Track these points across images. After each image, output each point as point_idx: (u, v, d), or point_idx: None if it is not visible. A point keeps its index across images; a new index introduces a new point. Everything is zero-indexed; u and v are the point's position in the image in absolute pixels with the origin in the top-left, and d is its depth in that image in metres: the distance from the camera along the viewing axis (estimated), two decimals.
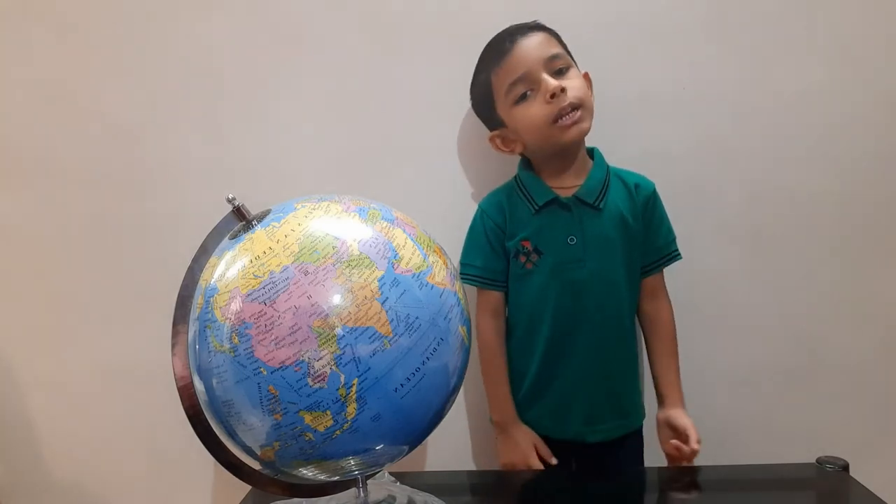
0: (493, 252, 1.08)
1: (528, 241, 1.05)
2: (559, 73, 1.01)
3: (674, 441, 1.02)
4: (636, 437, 1.12)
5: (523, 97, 1.01)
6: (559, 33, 1.06)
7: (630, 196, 1.06)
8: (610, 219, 1.04)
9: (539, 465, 1.06)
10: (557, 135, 1.01)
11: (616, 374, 1.08)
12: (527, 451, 1.06)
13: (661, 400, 1.09)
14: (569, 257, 1.04)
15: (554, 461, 1.06)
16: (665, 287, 1.12)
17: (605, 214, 1.04)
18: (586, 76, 1.07)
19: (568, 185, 1.06)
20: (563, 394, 1.06)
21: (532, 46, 1.00)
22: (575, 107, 0.99)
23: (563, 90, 0.98)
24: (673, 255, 1.10)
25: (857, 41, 1.14)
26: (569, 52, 1.06)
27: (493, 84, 1.03)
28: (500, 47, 1.02)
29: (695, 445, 1.00)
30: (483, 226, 1.09)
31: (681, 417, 1.05)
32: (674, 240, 1.10)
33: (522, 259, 1.06)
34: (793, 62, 1.15)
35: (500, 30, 1.07)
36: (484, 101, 1.07)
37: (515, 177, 1.11)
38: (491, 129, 1.10)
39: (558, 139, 1.01)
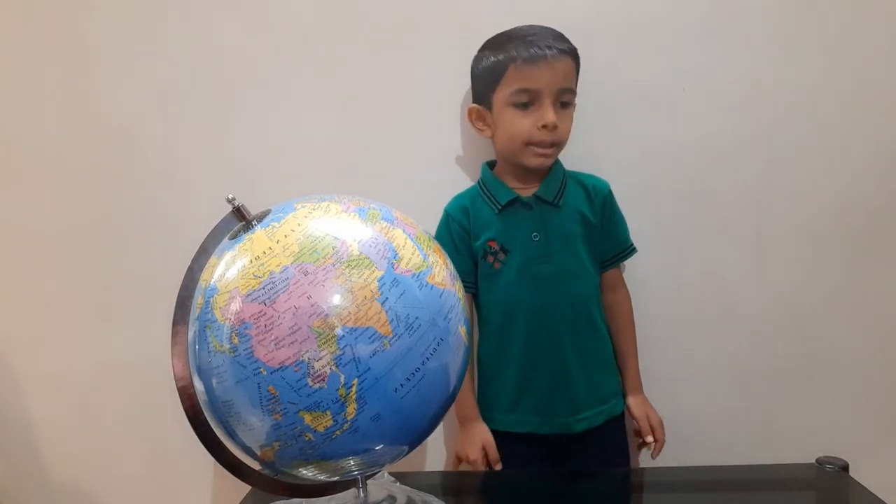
0: (458, 254, 1.11)
1: (494, 241, 1.09)
2: (562, 105, 1.05)
3: (638, 442, 1.15)
4: (619, 424, 1.15)
5: (523, 105, 1.04)
6: (563, 34, 1.06)
7: (588, 196, 1.11)
8: (569, 215, 1.09)
9: (482, 468, 1.09)
10: (525, 156, 1.06)
11: (592, 362, 1.10)
12: (473, 449, 1.10)
13: (623, 386, 1.15)
14: (535, 253, 1.07)
15: (499, 467, 1.10)
16: (623, 279, 1.17)
17: (564, 211, 1.09)
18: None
19: (528, 185, 1.10)
20: (544, 388, 1.08)
21: (560, 72, 1.03)
22: (553, 144, 1.05)
23: (555, 127, 1.03)
24: (631, 250, 1.15)
25: (856, 41, 1.14)
26: (576, 84, 1.08)
27: (508, 74, 1.04)
28: (535, 49, 1.02)
29: (648, 439, 1.12)
30: (448, 228, 1.12)
31: (636, 407, 1.14)
32: (629, 235, 1.15)
33: (490, 259, 1.09)
34: (793, 62, 1.15)
35: (499, 31, 1.08)
36: (489, 76, 1.07)
37: (479, 181, 1.14)
38: (476, 100, 1.12)
39: (522, 159, 1.07)
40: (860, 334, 1.21)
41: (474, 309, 1.16)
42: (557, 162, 1.12)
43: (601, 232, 1.11)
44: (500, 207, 1.09)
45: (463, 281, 1.08)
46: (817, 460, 0.97)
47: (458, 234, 1.11)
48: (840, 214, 1.18)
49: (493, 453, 1.10)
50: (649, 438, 1.11)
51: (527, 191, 1.10)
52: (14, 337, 1.29)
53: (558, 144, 1.06)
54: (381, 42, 1.18)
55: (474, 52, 1.11)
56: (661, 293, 1.19)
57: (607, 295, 1.15)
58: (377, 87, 1.19)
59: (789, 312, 1.21)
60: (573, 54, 1.06)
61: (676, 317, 1.19)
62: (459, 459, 1.12)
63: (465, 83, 1.16)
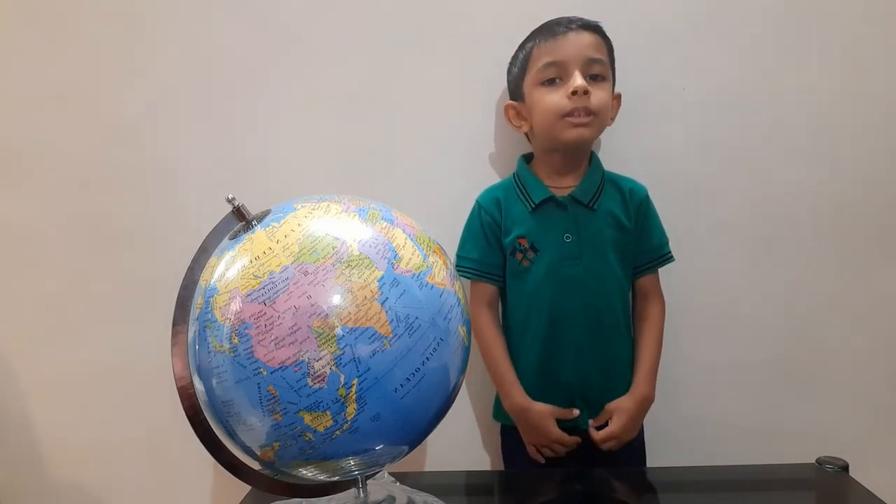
0: (488, 246, 1.10)
1: (524, 238, 1.07)
2: (593, 78, 1.03)
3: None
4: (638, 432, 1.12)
5: (551, 81, 1.03)
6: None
7: (624, 200, 1.09)
8: (604, 219, 1.07)
9: (564, 437, 1.04)
10: (560, 129, 1.03)
11: (613, 368, 1.09)
12: (550, 428, 1.05)
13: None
14: (565, 255, 1.06)
15: (576, 412, 1.06)
16: (659, 289, 1.14)
17: (598, 215, 1.07)
18: (618, 97, 1.10)
19: (564, 185, 1.09)
20: (562, 389, 1.08)
21: (582, 42, 1.02)
22: (588, 112, 1.01)
23: (586, 92, 1.00)
24: (666, 258, 1.12)
25: (857, 41, 1.14)
26: (613, 67, 1.07)
27: (533, 56, 1.05)
28: (555, 28, 1.04)
29: (595, 433, 1.05)
30: (480, 220, 1.11)
31: (621, 410, 1.06)
32: (667, 242, 1.12)
33: (519, 256, 1.08)
34: (793, 62, 1.15)
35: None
36: (519, 69, 1.09)
37: (514, 174, 1.13)
38: (512, 97, 1.12)
39: (559, 134, 1.03)
40: (860, 334, 1.21)
41: (499, 303, 1.15)
42: (596, 161, 1.11)
43: (635, 237, 1.09)
44: (533, 205, 1.07)
45: (491, 274, 1.10)
46: (817, 460, 0.97)
47: (490, 226, 1.10)
48: (840, 214, 1.18)
49: (560, 412, 1.05)
50: (596, 434, 1.05)
51: (562, 190, 1.08)
52: (14, 337, 1.29)
53: (594, 114, 1.01)
54: (382, 42, 1.18)
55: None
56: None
57: (639, 303, 1.13)
58: (378, 86, 1.19)
59: (789, 312, 1.21)
60: (600, 32, 1.05)
61: (677, 317, 1.19)
62: (540, 451, 1.08)
63: (468, 82, 1.16)
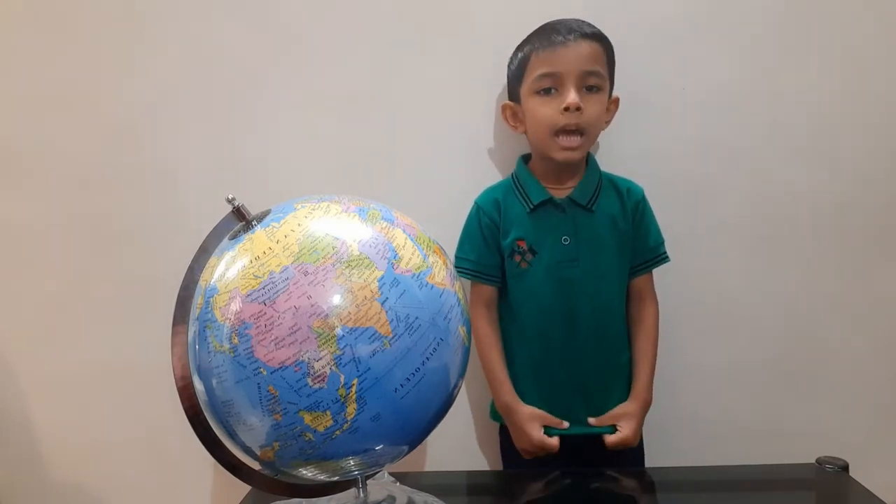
0: (486, 247, 1.10)
1: (523, 240, 1.07)
2: (589, 89, 1.03)
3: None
4: None
5: (546, 91, 1.03)
6: (592, 23, 1.06)
7: (621, 200, 1.09)
8: (601, 220, 1.07)
9: (545, 441, 1.04)
10: (550, 146, 1.04)
11: (611, 369, 1.09)
12: (531, 432, 1.05)
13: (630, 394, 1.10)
14: (563, 257, 1.06)
15: (566, 425, 1.06)
16: (653, 290, 1.14)
17: (596, 216, 1.07)
18: (615, 101, 1.10)
19: (563, 186, 1.09)
20: (559, 390, 1.08)
21: (580, 54, 1.02)
22: (579, 131, 1.02)
23: (578, 108, 1.00)
24: (661, 258, 1.12)
25: (857, 41, 1.14)
26: (612, 72, 1.07)
27: (530, 63, 1.05)
28: (554, 36, 1.03)
29: (610, 438, 1.05)
30: (479, 221, 1.11)
31: (626, 414, 1.07)
32: (662, 243, 1.12)
33: (517, 258, 1.08)
34: (793, 62, 1.15)
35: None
36: (516, 71, 1.09)
37: (513, 174, 1.13)
38: (510, 97, 1.12)
39: (548, 151, 1.05)
40: (860, 334, 1.21)
41: (498, 303, 1.14)
42: (593, 162, 1.11)
43: (631, 237, 1.09)
44: (532, 207, 1.07)
45: (489, 275, 1.10)
46: (817, 460, 0.97)
47: (488, 227, 1.10)
48: (840, 214, 1.18)
49: (550, 419, 1.06)
50: (609, 439, 1.05)
51: (561, 191, 1.08)
52: (14, 337, 1.29)
53: (585, 131, 1.03)
54: (381, 42, 1.18)
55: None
56: (661, 293, 1.18)
57: (632, 304, 1.12)
58: (378, 87, 1.19)
59: (789, 312, 1.21)
60: (600, 39, 1.04)
61: (676, 317, 1.19)
62: (529, 453, 1.07)
63: (467, 83, 1.16)
